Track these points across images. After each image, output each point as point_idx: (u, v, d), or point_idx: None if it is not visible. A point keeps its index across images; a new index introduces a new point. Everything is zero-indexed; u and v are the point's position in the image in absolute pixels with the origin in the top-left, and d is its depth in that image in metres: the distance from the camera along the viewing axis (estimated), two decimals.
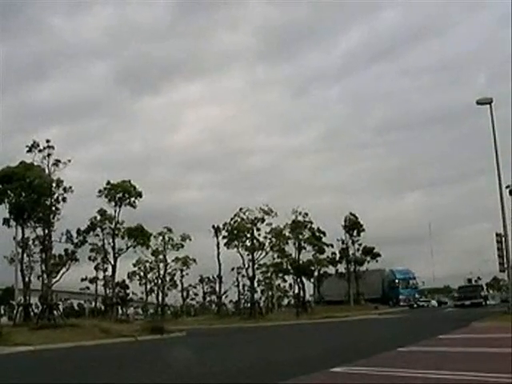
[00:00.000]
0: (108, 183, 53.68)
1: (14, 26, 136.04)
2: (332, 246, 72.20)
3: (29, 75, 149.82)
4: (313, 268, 70.72)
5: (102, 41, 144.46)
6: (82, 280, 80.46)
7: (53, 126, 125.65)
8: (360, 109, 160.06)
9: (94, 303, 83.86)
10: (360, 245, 77.32)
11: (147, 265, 73.41)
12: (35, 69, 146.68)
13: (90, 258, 63.84)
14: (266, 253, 60.08)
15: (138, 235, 56.75)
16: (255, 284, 66.17)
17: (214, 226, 63.78)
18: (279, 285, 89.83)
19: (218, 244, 62.67)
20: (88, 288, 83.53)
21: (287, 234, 61.96)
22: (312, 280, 77.62)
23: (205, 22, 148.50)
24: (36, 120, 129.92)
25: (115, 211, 54.40)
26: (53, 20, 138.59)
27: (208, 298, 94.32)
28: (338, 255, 77.00)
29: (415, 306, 77.64)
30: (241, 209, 59.27)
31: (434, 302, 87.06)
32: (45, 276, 40.99)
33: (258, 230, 58.90)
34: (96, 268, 69.93)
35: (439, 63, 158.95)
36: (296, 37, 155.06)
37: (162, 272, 71.94)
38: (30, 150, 40.12)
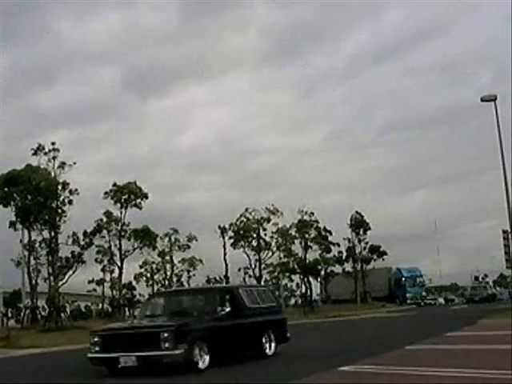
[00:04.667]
0: (114, 185, 53.68)
1: (23, 31, 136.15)
2: (338, 244, 72.14)
3: (37, 79, 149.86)
4: (319, 267, 70.56)
5: (109, 45, 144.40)
6: (89, 282, 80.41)
7: (61, 129, 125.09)
8: (366, 109, 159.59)
9: (101, 305, 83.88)
10: (366, 243, 77.18)
11: (154, 266, 73.25)
12: (43, 73, 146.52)
13: (96, 260, 63.79)
14: (273, 252, 60.18)
15: (145, 236, 56.69)
16: (262, 284, 66.16)
17: (220, 227, 63.76)
18: (286, 284, 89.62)
19: (225, 244, 62.66)
20: (95, 290, 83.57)
21: (293, 233, 61.95)
22: (319, 279, 77.52)
23: (211, 25, 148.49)
24: (44, 124, 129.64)
25: (121, 213, 54.41)
26: (60, 25, 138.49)
27: None
28: (344, 254, 76.83)
29: (422, 303, 77.41)
30: (247, 209, 59.36)
31: (441, 300, 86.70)
32: (52, 278, 41.09)
33: (264, 229, 59.03)
34: (103, 270, 69.91)
35: (444, 62, 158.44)
36: (301, 38, 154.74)
37: (168, 273, 71.84)
38: (35, 153, 40.26)
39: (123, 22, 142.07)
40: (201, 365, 13.76)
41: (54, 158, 40.08)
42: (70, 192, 41.65)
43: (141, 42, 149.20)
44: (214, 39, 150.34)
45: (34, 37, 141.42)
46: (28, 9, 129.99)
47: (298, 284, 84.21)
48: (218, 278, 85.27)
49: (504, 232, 35.16)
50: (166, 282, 73.02)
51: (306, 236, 63.48)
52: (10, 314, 70.06)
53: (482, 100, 32.70)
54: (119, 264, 55.84)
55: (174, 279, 74.48)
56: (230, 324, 14.99)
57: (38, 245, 44.42)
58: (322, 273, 74.78)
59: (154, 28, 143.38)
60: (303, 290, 70.96)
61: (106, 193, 53.76)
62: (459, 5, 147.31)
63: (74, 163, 40.75)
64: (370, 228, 75.95)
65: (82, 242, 49.23)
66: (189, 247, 68.17)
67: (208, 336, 14.20)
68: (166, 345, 13.29)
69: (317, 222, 64.86)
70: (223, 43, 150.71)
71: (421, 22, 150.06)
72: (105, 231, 55.19)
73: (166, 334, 13.38)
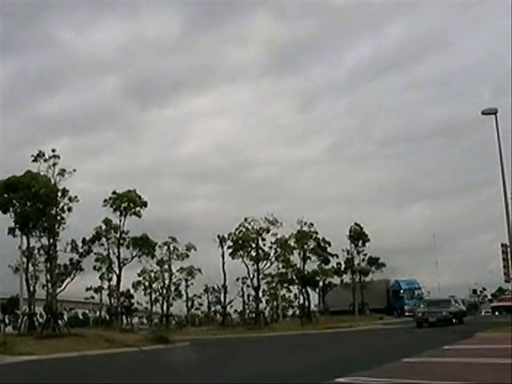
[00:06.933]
0: (114, 193, 53.69)
1: (25, 41, 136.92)
2: (337, 256, 71.90)
3: (39, 88, 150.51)
4: (318, 278, 70.42)
5: (111, 55, 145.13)
6: (87, 289, 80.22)
7: (62, 137, 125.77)
8: (366, 121, 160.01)
9: (98, 313, 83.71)
10: (365, 255, 76.89)
11: (152, 274, 73.15)
12: (45, 82, 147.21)
13: (94, 268, 63.67)
14: (271, 263, 59.84)
15: (143, 245, 56.57)
16: (260, 294, 65.90)
17: (219, 236, 63.59)
18: (284, 295, 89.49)
19: (223, 254, 62.38)
20: (93, 297, 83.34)
21: (292, 244, 61.74)
22: (317, 290, 77.39)
23: (213, 37, 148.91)
24: (45, 131, 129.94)
25: (120, 221, 54.37)
26: (63, 35, 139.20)
27: (213, 308, 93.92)
28: (343, 265, 76.69)
29: None
30: (246, 219, 59.12)
31: None
32: (49, 285, 40.88)
33: (263, 240, 58.68)
34: (101, 277, 69.74)
35: (444, 76, 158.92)
36: (302, 51, 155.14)
37: (166, 282, 71.69)
38: (35, 160, 40.13)
39: (126, 32, 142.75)
40: None
41: (54, 164, 39.87)
42: (70, 199, 41.47)
43: (143, 52, 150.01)
44: (215, 51, 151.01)
45: (36, 46, 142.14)
46: (31, 18, 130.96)
47: (295, 295, 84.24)
48: (216, 287, 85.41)
49: (503, 245, 35.12)
50: (164, 291, 73.00)
51: (305, 247, 63.31)
52: (7, 321, 70.08)
53: (482, 113, 32.76)
54: (117, 272, 55.69)
55: (172, 288, 74.51)
56: None
57: (36, 251, 44.26)
58: (321, 284, 74.71)
59: (156, 39, 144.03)
60: (301, 301, 70.79)
61: (105, 200, 53.76)
62: (459, 20, 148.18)
63: (74, 170, 40.54)
64: (368, 240, 75.75)
65: (81, 250, 48.98)
66: (187, 256, 68.04)
67: None
68: None
69: (316, 232, 64.72)
70: (225, 55, 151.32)
71: (422, 37, 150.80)
72: (104, 239, 55.08)
73: None
